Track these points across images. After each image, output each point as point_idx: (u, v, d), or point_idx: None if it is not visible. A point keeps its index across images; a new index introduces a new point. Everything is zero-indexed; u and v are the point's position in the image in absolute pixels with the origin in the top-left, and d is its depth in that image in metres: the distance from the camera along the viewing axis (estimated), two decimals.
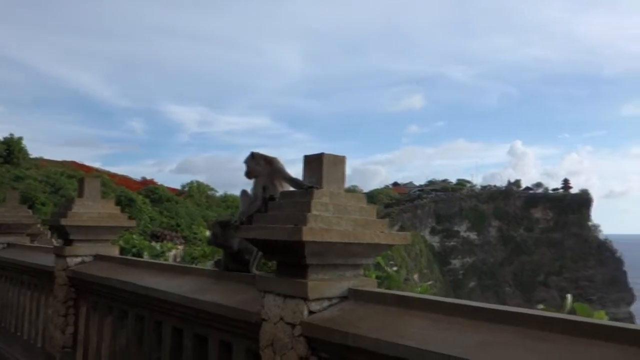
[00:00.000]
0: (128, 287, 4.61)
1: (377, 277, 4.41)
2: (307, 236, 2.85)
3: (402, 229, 71.03)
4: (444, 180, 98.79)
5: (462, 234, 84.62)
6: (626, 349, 2.00)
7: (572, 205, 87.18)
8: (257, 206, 3.46)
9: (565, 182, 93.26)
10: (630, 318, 76.84)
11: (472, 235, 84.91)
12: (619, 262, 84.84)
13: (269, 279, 3.25)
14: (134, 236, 17.42)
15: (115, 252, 5.81)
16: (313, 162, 3.27)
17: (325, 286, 3.07)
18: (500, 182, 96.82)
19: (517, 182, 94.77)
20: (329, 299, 3.09)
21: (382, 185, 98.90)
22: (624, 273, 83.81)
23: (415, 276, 65.79)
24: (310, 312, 3.01)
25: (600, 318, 2.94)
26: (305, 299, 2.99)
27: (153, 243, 18.99)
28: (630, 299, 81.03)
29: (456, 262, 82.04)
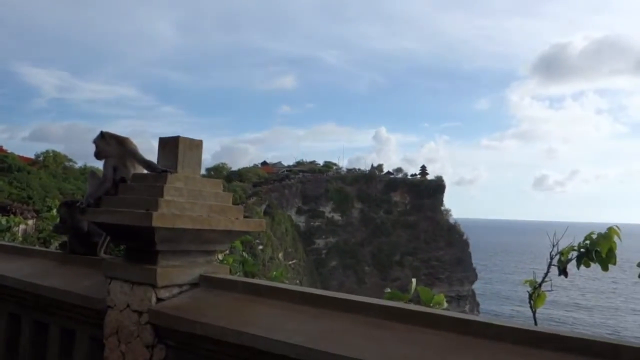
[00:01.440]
0: None
1: (233, 262, 4.40)
2: (157, 222, 2.77)
3: (269, 208, 71.69)
4: (312, 162, 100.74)
5: (327, 214, 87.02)
6: (448, 335, 2.19)
7: (428, 191, 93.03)
8: (106, 188, 3.29)
9: (423, 168, 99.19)
10: (472, 295, 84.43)
11: (336, 216, 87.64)
12: (465, 244, 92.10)
13: (117, 265, 3.13)
14: None
15: None
16: (168, 145, 3.18)
17: (175, 273, 3.01)
18: (365, 165, 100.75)
19: (379, 167, 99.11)
20: (179, 285, 3.04)
21: (252, 164, 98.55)
22: (469, 254, 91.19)
23: (280, 255, 66.78)
24: (159, 300, 2.94)
25: (440, 301, 3.20)
26: (154, 285, 2.91)
27: None
28: (473, 277, 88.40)
29: (320, 242, 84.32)
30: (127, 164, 3.31)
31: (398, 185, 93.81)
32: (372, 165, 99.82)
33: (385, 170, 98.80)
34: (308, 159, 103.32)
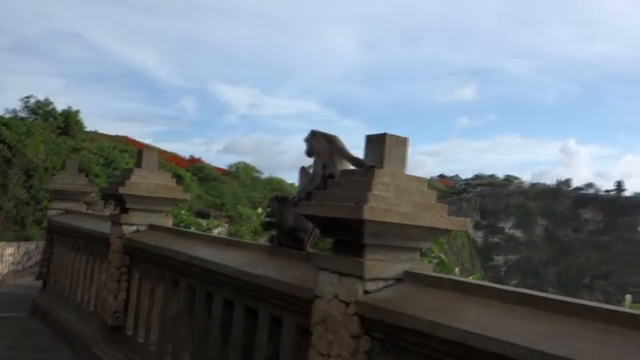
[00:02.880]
0: (182, 257, 4.71)
1: (428, 262, 4.36)
2: (367, 215, 2.83)
3: None
4: (492, 175, 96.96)
5: (506, 230, 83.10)
6: None
7: (625, 208, 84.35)
8: (316, 184, 3.47)
9: (619, 183, 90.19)
10: None
11: (517, 233, 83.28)
12: None
13: (325, 256, 3.26)
14: (183, 212, 17.79)
15: (169, 223, 5.94)
16: (375, 142, 3.25)
17: (381, 267, 3.05)
18: (550, 180, 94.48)
19: (567, 182, 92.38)
20: (385, 279, 3.07)
21: (428, 177, 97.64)
22: None
23: (457, 270, 64.99)
24: (365, 292, 2.99)
25: None
26: (361, 278, 2.98)
27: (200, 220, 19.37)
28: None
29: (499, 259, 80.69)
30: (335, 161, 3.46)
31: (589, 202, 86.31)
32: (558, 179, 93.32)
33: (573, 185, 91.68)
34: (487, 172, 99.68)
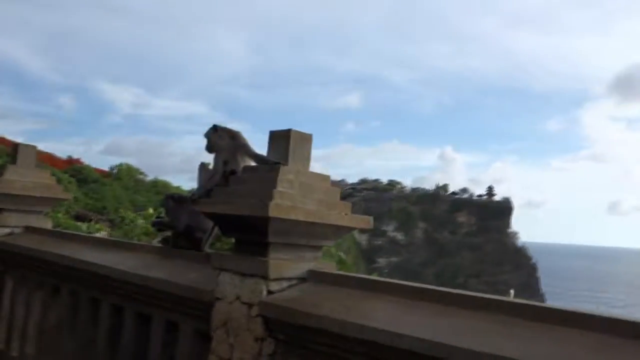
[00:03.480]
0: (64, 261, 4.32)
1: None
2: (273, 212, 2.74)
3: None
4: (376, 180, 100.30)
5: (389, 233, 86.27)
6: (595, 336, 2.03)
7: (495, 212, 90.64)
8: (217, 180, 3.31)
9: (490, 189, 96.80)
10: None
11: (399, 236, 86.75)
12: (533, 268, 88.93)
13: (226, 256, 3.12)
14: (59, 215, 16.59)
15: (47, 224, 5.45)
16: (279, 138, 3.16)
17: (286, 266, 2.97)
18: (430, 185, 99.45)
19: (444, 186, 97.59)
20: (289, 279, 2.99)
21: None
22: (537, 279, 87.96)
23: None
24: (269, 292, 2.90)
25: None
26: (265, 278, 2.88)
27: (79, 223, 18.18)
28: (541, 302, 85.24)
29: (382, 261, 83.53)
30: (238, 157, 3.33)
31: (464, 206, 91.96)
32: (436, 184, 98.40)
33: (450, 190, 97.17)
34: (372, 177, 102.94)
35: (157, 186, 56.06)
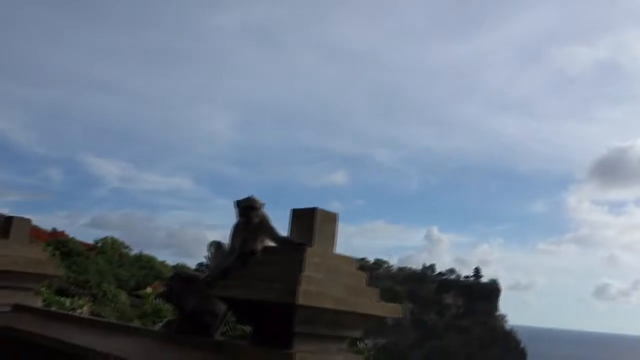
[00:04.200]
0: (53, 344, 3.95)
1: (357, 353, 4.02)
2: (302, 299, 2.49)
3: None
4: (363, 259, 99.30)
5: None
6: None
7: (482, 294, 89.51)
8: (232, 261, 3.04)
9: (477, 270, 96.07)
10: None
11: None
12: (522, 353, 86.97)
13: (244, 348, 2.83)
14: (42, 289, 15.91)
15: (37, 302, 5.08)
16: (303, 217, 2.95)
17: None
18: (416, 264, 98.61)
19: (431, 267, 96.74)
20: None
21: None
22: None
23: None
24: None
25: None
26: None
27: (62, 298, 17.43)
28: None
29: (368, 342, 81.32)
30: (258, 236, 3.07)
31: (451, 287, 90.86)
32: (423, 265, 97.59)
33: (437, 270, 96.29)
34: (358, 255, 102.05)
35: (142, 260, 54.96)
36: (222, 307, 3.42)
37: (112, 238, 56.57)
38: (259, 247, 3.05)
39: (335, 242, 2.99)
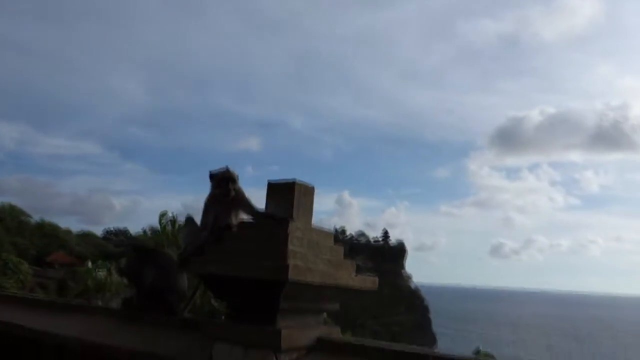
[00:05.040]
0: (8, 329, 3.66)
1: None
2: (291, 275, 2.43)
3: None
4: None
5: None
6: None
7: (390, 255, 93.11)
8: (206, 236, 2.91)
9: (385, 233, 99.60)
10: None
11: None
12: (425, 309, 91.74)
13: (223, 324, 2.74)
14: None
15: None
16: (282, 191, 2.86)
17: (297, 335, 2.64)
18: (328, 228, 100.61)
19: (343, 230, 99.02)
20: (298, 349, 2.66)
21: None
22: (429, 320, 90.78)
23: None
24: None
25: None
26: (277, 349, 2.53)
27: None
28: (433, 342, 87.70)
29: None
30: (232, 211, 2.95)
31: (361, 250, 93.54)
32: (335, 228, 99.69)
33: (348, 233, 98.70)
34: None
35: (44, 228, 52.12)
36: (184, 284, 3.30)
37: (10, 204, 53.16)
38: (234, 221, 2.94)
39: (312, 215, 2.93)
